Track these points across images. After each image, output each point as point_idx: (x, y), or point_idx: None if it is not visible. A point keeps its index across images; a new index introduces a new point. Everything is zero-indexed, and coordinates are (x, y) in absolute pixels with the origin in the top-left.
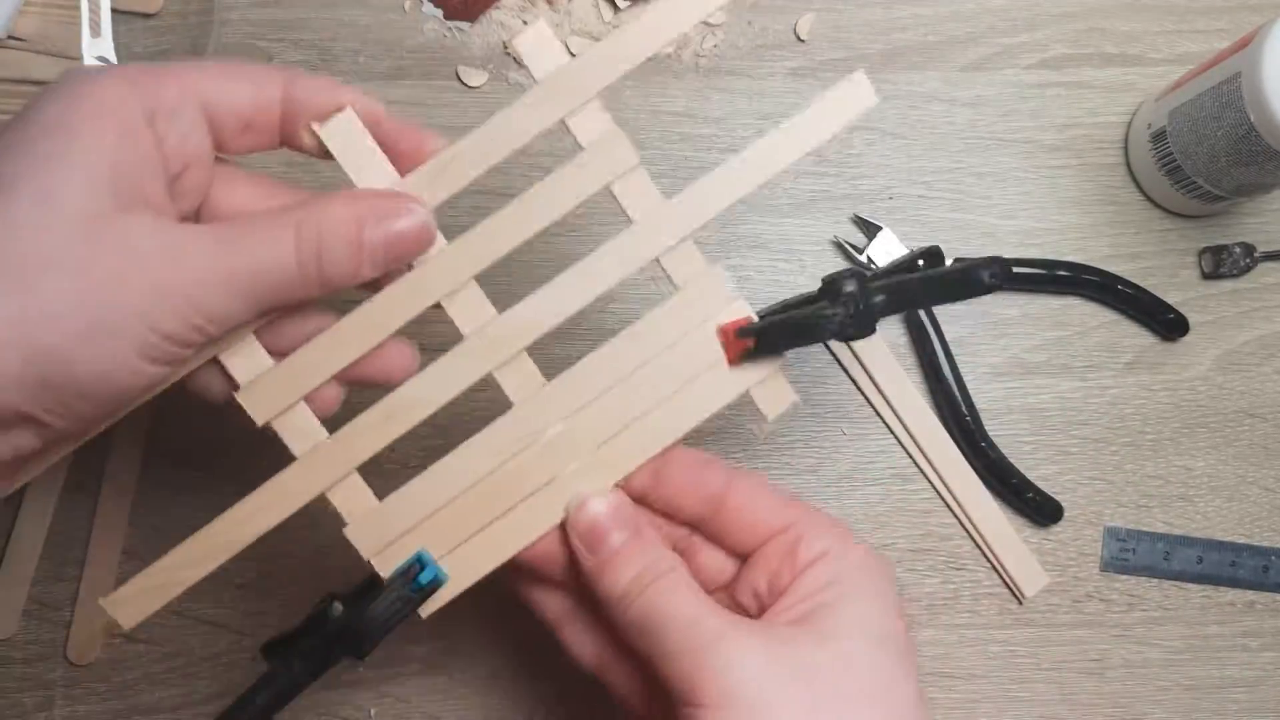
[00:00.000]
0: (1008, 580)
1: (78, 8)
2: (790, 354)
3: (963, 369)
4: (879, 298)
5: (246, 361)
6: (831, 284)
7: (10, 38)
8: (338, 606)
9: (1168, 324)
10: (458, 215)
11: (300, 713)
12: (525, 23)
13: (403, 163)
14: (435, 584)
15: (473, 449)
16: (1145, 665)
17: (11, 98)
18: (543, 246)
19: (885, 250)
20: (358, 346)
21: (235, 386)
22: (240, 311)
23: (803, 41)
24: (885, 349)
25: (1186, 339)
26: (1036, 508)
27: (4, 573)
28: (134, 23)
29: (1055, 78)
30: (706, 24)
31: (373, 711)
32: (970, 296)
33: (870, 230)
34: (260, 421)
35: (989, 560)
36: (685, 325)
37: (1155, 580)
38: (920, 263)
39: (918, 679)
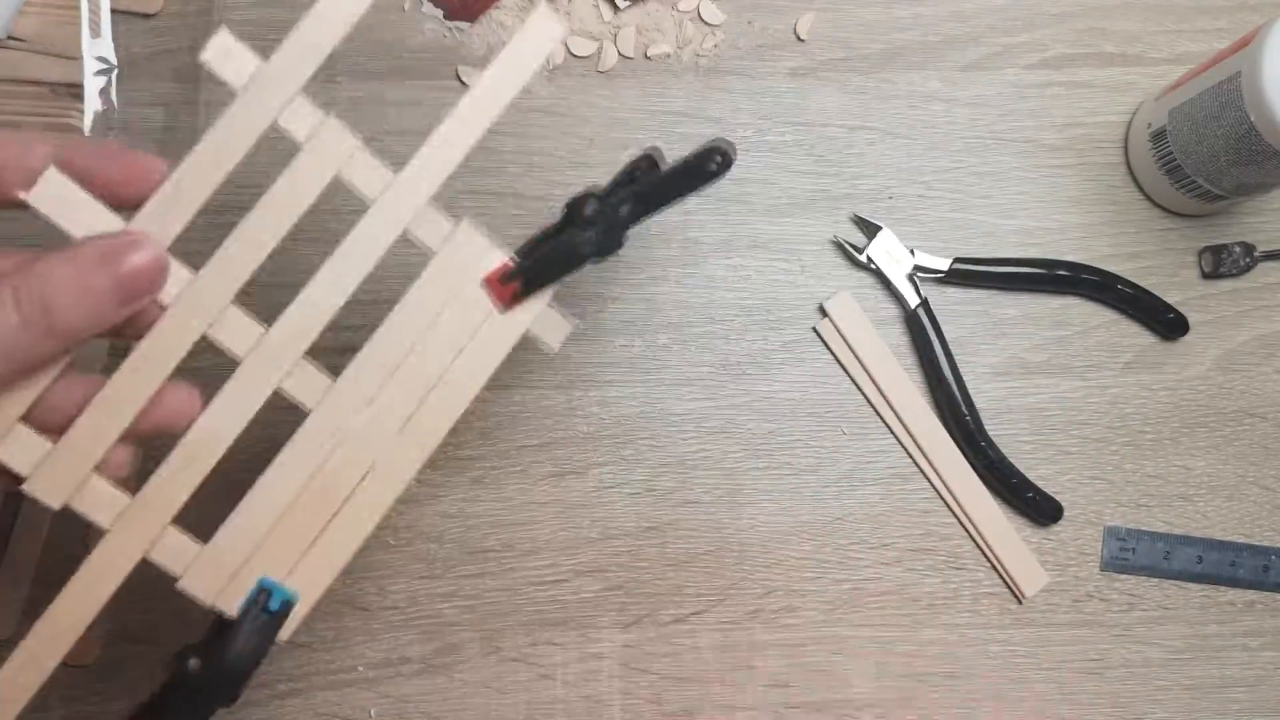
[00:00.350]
0: (1008, 580)
1: (77, 8)
2: (790, 352)
3: (963, 369)
4: (624, 208)
5: (21, 450)
6: (574, 208)
7: (10, 38)
8: (193, 662)
9: (1168, 324)
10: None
11: (299, 713)
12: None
13: (129, 189)
14: (287, 606)
15: (283, 465)
16: (1145, 665)
17: (11, 98)
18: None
19: (885, 250)
20: (134, 401)
21: (19, 480)
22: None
23: (803, 41)
24: (885, 349)
25: (1186, 338)
26: (1036, 508)
27: (4, 573)
28: (134, 23)
29: (1055, 77)
30: (707, 24)
31: (373, 711)
32: (705, 184)
33: (870, 230)
34: (56, 505)
35: (989, 560)
36: (451, 286)
37: (1155, 580)
38: (641, 169)
39: None
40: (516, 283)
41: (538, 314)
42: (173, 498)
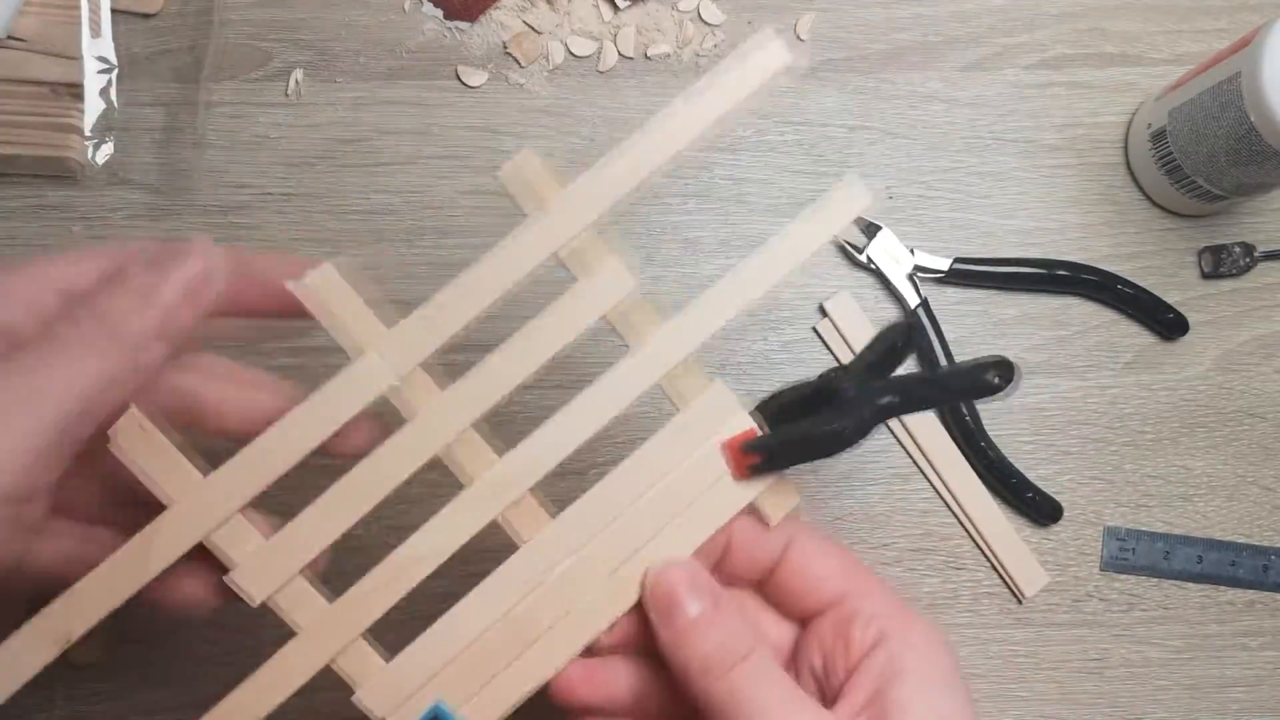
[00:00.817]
0: (1007, 580)
1: (78, 8)
2: (790, 352)
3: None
4: (885, 399)
5: (236, 540)
6: (830, 386)
7: (10, 38)
8: None
9: (1167, 324)
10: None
11: (303, 714)
12: (526, 23)
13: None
14: None
15: (482, 596)
16: (1145, 665)
17: (12, 98)
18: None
19: (885, 250)
20: (356, 511)
21: (224, 570)
22: (49, 435)
23: (803, 41)
24: None
25: (1186, 338)
26: (1036, 508)
27: None
28: (134, 23)
29: (1055, 78)
30: (707, 24)
31: None
32: (981, 398)
33: (870, 230)
34: (258, 600)
35: (989, 560)
36: (689, 446)
37: (1155, 580)
38: (899, 345)
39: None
40: (758, 457)
41: (770, 485)
42: (370, 610)
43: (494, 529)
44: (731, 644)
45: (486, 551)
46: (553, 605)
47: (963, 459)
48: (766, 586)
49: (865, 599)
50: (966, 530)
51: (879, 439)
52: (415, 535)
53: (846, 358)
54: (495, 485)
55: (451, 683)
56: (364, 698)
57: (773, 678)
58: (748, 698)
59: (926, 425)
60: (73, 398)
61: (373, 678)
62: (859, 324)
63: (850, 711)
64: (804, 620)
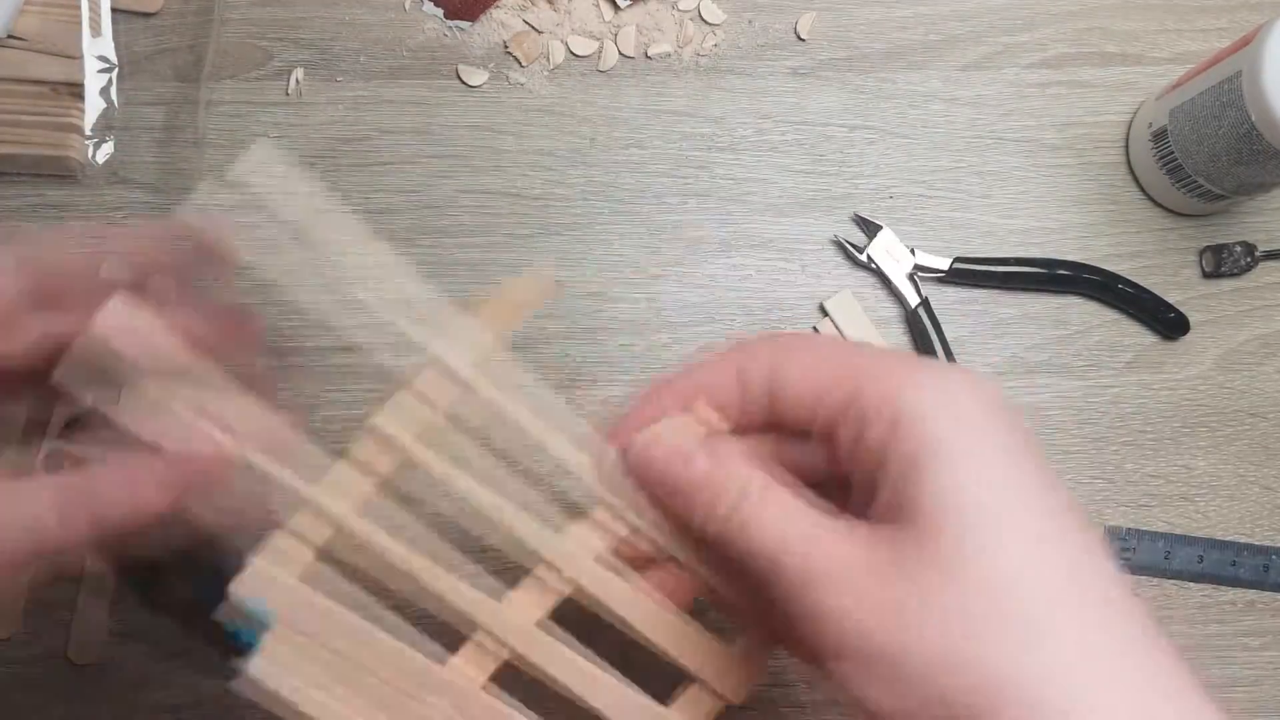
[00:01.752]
0: None
1: (78, 7)
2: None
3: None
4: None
5: None
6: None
7: (11, 37)
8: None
9: (1168, 323)
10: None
11: None
12: (526, 22)
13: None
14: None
15: None
16: None
17: (12, 97)
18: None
19: (885, 249)
20: None
21: None
22: None
23: (803, 40)
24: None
25: (1187, 338)
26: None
27: None
28: (134, 22)
29: (1056, 77)
30: (707, 23)
31: None
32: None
33: (870, 229)
34: None
35: None
36: None
37: (1156, 579)
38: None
39: (1074, 518)
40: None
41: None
42: None
43: None
44: (731, 490)
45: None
46: None
47: None
48: (774, 418)
49: (871, 386)
50: None
51: None
52: None
53: None
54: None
55: None
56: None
57: (773, 507)
58: (752, 535)
59: None
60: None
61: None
62: (860, 323)
63: (873, 519)
64: (829, 437)
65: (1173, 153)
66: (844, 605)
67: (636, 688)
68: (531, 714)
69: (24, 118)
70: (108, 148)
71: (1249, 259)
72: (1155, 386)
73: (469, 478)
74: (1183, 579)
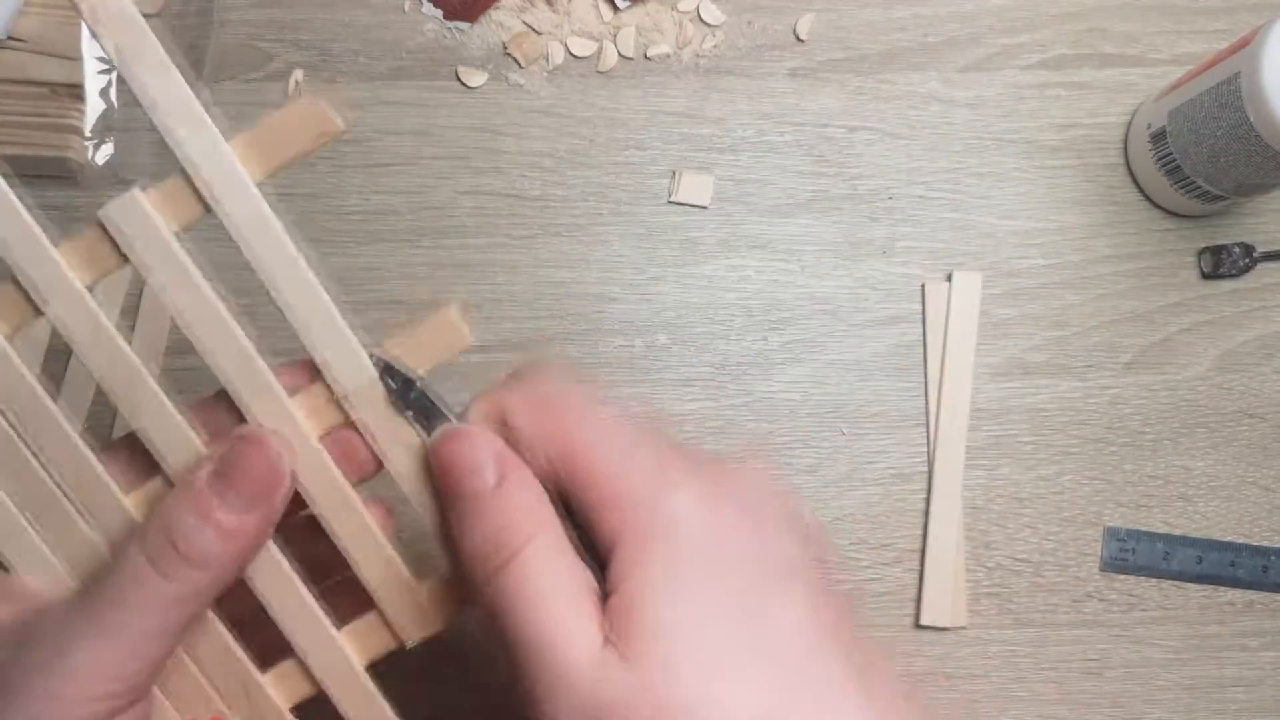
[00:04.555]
0: (920, 596)
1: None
2: (790, 352)
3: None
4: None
5: None
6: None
7: (10, 38)
8: None
9: None
10: (458, 216)
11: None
12: (525, 23)
13: None
14: None
15: None
16: (1145, 665)
17: (12, 98)
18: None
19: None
20: None
21: None
22: (125, 653)
23: (802, 41)
24: (972, 343)
25: (1187, 338)
26: None
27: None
28: None
29: (1055, 78)
30: (706, 24)
31: None
32: None
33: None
34: None
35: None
36: None
37: (1155, 580)
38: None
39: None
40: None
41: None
42: None
43: None
44: (503, 535)
45: None
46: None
47: (960, 462)
48: (573, 498)
49: (593, 490)
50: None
51: (879, 439)
52: None
53: (934, 331)
54: None
55: None
56: None
57: (540, 583)
58: (508, 606)
59: (955, 426)
60: (147, 629)
61: None
62: (969, 312)
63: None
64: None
65: (1171, 154)
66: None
67: (320, 604)
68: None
69: (24, 119)
70: (107, 149)
71: (1248, 260)
72: (1154, 387)
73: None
74: (1182, 580)
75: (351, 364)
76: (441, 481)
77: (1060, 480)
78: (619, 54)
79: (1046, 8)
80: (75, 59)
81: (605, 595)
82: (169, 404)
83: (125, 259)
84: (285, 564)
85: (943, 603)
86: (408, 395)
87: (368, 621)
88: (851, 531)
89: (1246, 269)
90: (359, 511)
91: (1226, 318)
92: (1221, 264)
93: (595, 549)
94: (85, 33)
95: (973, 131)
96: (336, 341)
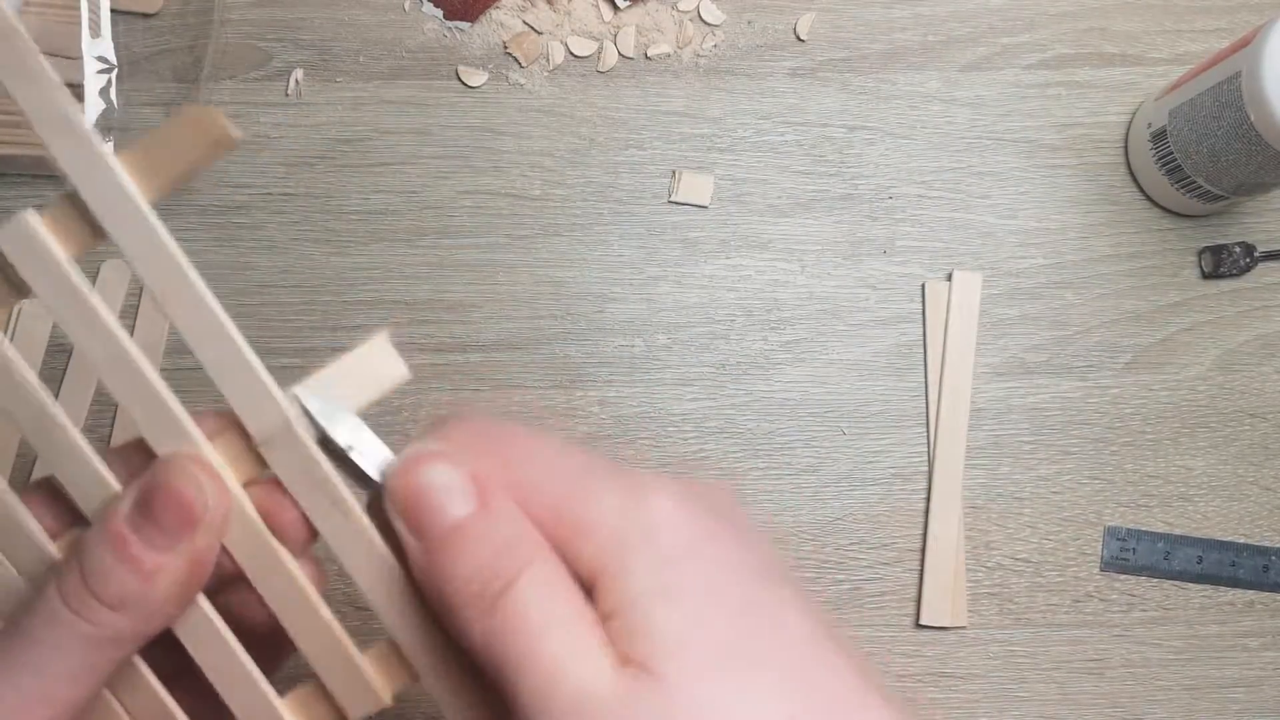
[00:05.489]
0: (920, 596)
1: (78, 8)
2: (790, 352)
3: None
4: None
5: None
6: None
7: None
8: None
9: None
10: (457, 215)
11: None
12: (525, 23)
13: None
14: None
15: None
16: (1145, 665)
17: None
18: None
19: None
20: None
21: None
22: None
23: (802, 41)
24: (973, 342)
25: (1187, 338)
26: None
27: None
28: (134, 23)
29: (1055, 77)
30: (707, 24)
31: None
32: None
33: None
34: None
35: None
36: None
37: (1155, 580)
38: None
39: (807, 630)
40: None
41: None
42: None
43: None
44: (495, 564)
45: None
46: None
47: (960, 462)
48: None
49: (585, 515)
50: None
51: (878, 439)
52: None
53: (933, 329)
54: None
55: None
56: None
57: (539, 614)
58: (504, 646)
59: (956, 425)
60: (64, 671)
61: None
62: (969, 310)
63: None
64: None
65: (1172, 153)
66: None
67: (254, 667)
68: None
69: (24, 118)
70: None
71: (1248, 259)
72: (1154, 387)
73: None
74: (1182, 580)
75: (266, 405)
76: (409, 517)
77: (1060, 480)
78: (619, 54)
79: (1047, 7)
80: (75, 59)
81: (602, 619)
82: (87, 449)
83: (25, 288)
84: (218, 622)
85: (943, 603)
86: (331, 444)
87: (309, 690)
88: (851, 531)
89: (1247, 268)
90: (290, 571)
91: (1227, 317)
92: (1222, 263)
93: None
94: (85, 33)
95: (973, 131)
96: (244, 376)
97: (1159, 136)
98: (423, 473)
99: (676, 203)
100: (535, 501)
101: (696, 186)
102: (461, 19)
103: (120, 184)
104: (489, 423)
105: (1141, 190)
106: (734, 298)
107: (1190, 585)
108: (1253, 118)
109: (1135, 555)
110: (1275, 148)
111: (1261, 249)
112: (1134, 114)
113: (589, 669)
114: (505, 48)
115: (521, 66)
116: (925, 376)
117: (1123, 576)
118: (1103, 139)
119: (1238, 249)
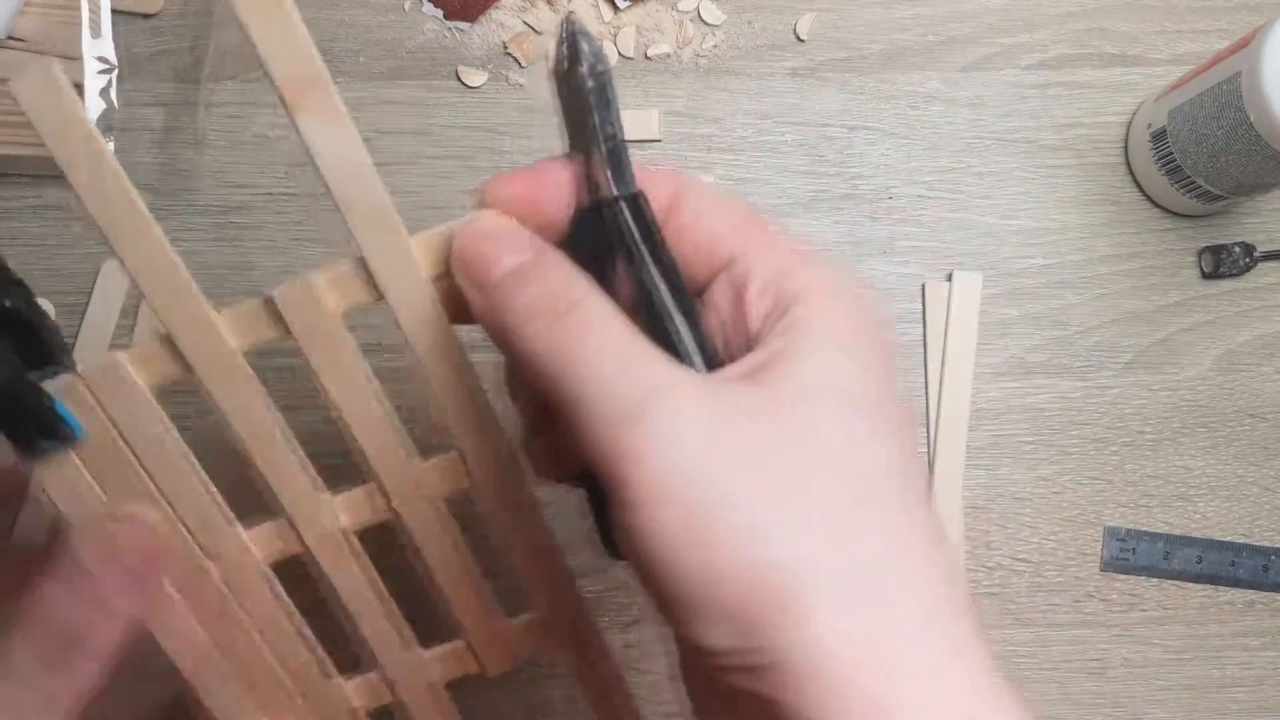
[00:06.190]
0: None
1: (78, 8)
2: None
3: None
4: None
5: None
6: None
7: (10, 38)
8: None
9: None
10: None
11: None
12: (525, 23)
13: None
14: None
15: None
16: (1145, 665)
17: (12, 98)
18: None
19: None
20: None
21: None
22: None
23: (803, 41)
24: (973, 342)
25: (1187, 338)
26: None
27: None
28: (134, 23)
29: (1055, 78)
30: (707, 24)
31: None
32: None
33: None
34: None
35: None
36: None
37: (1155, 580)
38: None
39: (905, 428)
40: None
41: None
42: None
43: None
44: (556, 292)
45: None
46: None
47: (961, 462)
48: None
49: (761, 258)
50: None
51: None
52: None
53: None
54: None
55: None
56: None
57: (608, 326)
58: (573, 349)
59: (954, 421)
60: None
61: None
62: (969, 310)
63: (734, 372)
64: (698, 292)
65: (1172, 153)
66: (686, 442)
67: (405, 623)
68: (295, 613)
69: (24, 119)
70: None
71: (1248, 259)
72: (1154, 387)
73: (342, 375)
74: (1182, 579)
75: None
76: (473, 264)
77: (1060, 480)
78: (619, 53)
79: (1047, 7)
80: (75, 59)
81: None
82: (305, 463)
83: (288, 332)
84: (388, 611)
85: None
86: (596, 72)
87: (453, 649)
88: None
89: (1247, 269)
90: (460, 559)
91: (1227, 317)
92: (1222, 264)
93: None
94: (85, 33)
95: (973, 131)
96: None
97: (1159, 137)
98: (482, 226)
99: None
100: (706, 227)
101: None
102: (461, 19)
103: (408, 252)
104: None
105: (1141, 190)
106: None
107: (1190, 585)
108: (1252, 118)
109: (1135, 555)
110: (1274, 148)
111: (1261, 249)
112: (1134, 114)
113: (671, 364)
114: (505, 48)
115: (522, 67)
116: (925, 376)
117: (1123, 576)
118: (1103, 139)
119: (1237, 249)
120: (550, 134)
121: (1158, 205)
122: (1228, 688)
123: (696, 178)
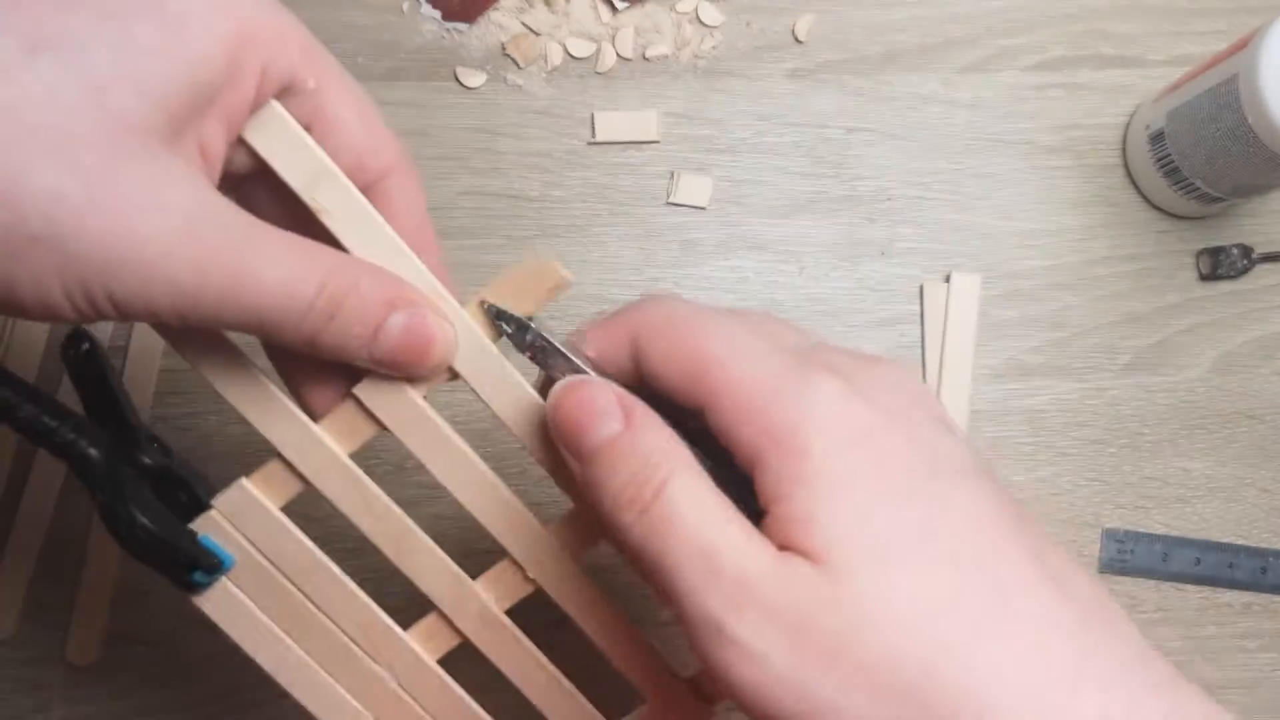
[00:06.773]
0: None
1: None
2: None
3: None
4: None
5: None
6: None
7: None
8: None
9: None
10: (456, 216)
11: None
12: (524, 24)
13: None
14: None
15: None
16: None
17: None
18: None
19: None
20: None
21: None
22: (202, 313)
23: (801, 43)
24: (971, 343)
25: (1185, 340)
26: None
27: (2, 573)
28: None
29: (1054, 79)
30: (705, 25)
31: None
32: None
33: None
34: None
35: None
36: None
37: (1153, 581)
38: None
39: (978, 498)
40: None
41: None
42: None
43: None
44: (643, 475)
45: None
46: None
47: None
48: (708, 416)
49: (730, 398)
50: None
51: None
52: None
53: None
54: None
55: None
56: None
57: (688, 516)
58: (660, 552)
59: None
60: (228, 310)
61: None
62: (969, 309)
63: (796, 545)
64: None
65: (1170, 155)
66: (762, 652)
67: (582, 697)
68: (474, 703)
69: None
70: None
71: (1246, 261)
72: (1153, 389)
73: (449, 459)
74: (1180, 581)
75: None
76: (567, 435)
77: (1059, 481)
78: (617, 55)
79: (1045, 9)
80: None
81: (758, 514)
82: (440, 553)
83: (382, 427)
84: (563, 682)
85: None
86: (524, 337)
87: (500, 568)
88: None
89: (1245, 270)
90: (611, 610)
91: (1225, 319)
92: (1220, 265)
93: (736, 474)
94: None
95: (971, 132)
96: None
97: (1157, 138)
98: (576, 395)
99: (675, 204)
100: (712, 381)
101: (695, 188)
102: (460, 20)
103: (469, 328)
104: (677, 306)
105: (1140, 192)
106: (733, 299)
107: (1188, 587)
108: (1250, 120)
109: (1133, 557)
110: (1272, 150)
111: (1259, 251)
112: (1132, 116)
113: (748, 556)
114: (504, 49)
115: (520, 68)
116: (924, 378)
117: (1121, 578)
118: (1101, 141)
119: (1235, 251)
120: (550, 134)
121: (1156, 207)
122: (1226, 689)
123: (652, 308)
